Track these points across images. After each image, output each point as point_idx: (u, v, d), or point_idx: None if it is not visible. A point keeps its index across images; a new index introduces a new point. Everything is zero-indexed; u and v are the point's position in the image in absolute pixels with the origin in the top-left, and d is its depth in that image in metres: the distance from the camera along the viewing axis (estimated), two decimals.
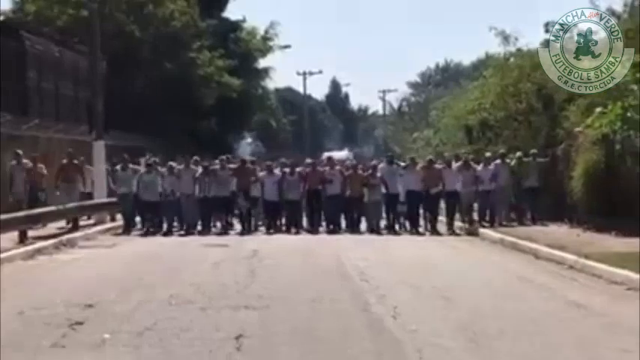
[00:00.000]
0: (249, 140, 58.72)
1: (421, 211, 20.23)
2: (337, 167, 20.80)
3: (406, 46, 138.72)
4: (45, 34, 30.49)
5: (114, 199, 20.92)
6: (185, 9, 38.05)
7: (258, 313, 8.84)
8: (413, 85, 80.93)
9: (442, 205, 20.36)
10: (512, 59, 25.39)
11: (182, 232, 19.69)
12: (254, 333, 7.79)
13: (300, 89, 68.19)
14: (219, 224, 20.30)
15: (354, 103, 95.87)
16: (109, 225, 20.82)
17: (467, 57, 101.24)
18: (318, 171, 20.46)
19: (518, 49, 25.09)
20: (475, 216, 20.32)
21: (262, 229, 20.19)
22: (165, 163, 20.85)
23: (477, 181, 20.10)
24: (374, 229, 19.71)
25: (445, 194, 20.00)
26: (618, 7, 21.72)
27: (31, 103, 27.72)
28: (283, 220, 20.40)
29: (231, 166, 20.76)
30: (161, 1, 37.13)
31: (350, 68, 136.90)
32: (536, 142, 21.53)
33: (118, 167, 20.67)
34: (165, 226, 19.94)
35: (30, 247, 15.18)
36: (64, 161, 20.62)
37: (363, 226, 20.12)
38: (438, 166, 20.59)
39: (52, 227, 18.55)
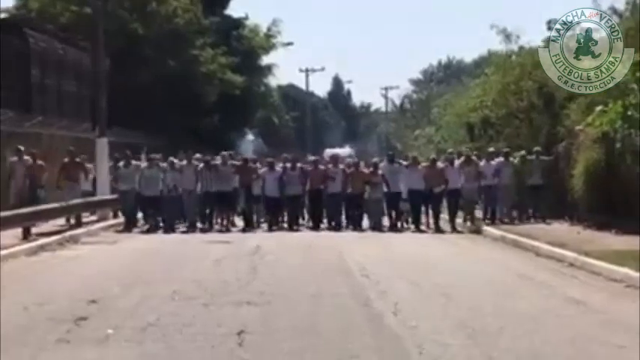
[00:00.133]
0: (251, 137, 58.66)
1: (423, 209, 20.27)
2: (340, 165, 20.80)
3: (408, 43, 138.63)
4: (48, 31, 30.54)
5: (116, 196, 20.91)
6: (188, 6, 38.09)
7: (259, 309, 8.91)
8: (415, 83, 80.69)
9: (444, 203, 20.37)
10: (513, 57, 25.45)
11: (184, 229, 19.76)
12: (256, 329, 7.86)
13: (303, 86, 68.27)
14: (220, 221, 20.34)
15: (357, 100, 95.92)
16: (111, 222, 20.89)
17: (469, 54, 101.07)
18: (320, 169, 20.52)
19: (520, 47, 25.16)
20: (478, 214, 20.34)
21: (264, 225, 20.26)
22: (167, 160, 20.84)
23: (479, 177, 20.12)
24: (376, 227, 19.77)
25: (447, 192, 19.98)
26: (621, 5, 21.73)
27: (34, 100, 27.72)
28: (285, 217, 20.49)
29: (234, 162, 20.83)
30: None
31: (352, 65, 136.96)
32: (537, 140, 21.57)
33: (121, 164, 20.60)
34: (167, 223, 19.89)
35: (33, 244, 15.25)
36: (66, 160, 20.51)
37: (365, 223, 20.18)
38: (440, 164, 20.60)
39: (53, 225, 18.50)
